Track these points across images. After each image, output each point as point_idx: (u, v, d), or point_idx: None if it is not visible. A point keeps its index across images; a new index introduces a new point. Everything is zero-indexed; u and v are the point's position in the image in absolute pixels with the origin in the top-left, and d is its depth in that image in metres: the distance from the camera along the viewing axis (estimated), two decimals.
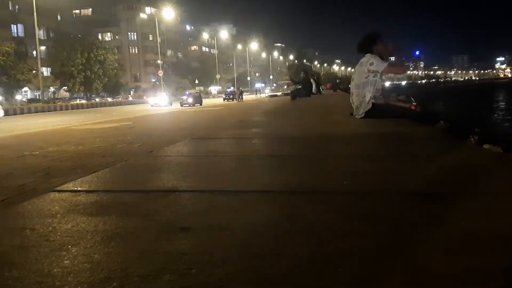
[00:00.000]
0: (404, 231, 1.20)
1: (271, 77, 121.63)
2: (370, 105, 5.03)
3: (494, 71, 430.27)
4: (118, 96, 66.77)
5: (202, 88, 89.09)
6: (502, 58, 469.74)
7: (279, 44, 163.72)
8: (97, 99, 60.60)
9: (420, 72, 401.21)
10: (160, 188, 1.78)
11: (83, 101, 55.19)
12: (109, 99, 60.69)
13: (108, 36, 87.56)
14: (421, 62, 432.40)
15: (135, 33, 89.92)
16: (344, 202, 1.53)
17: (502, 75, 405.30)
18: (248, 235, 1.21)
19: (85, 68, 58.83)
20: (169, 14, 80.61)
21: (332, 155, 2.79)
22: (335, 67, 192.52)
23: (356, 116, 5.16)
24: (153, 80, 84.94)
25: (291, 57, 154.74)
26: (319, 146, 3.30)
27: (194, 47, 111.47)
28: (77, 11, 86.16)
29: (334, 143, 3.42)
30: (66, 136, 9.51)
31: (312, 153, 2.95)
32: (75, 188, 1.83)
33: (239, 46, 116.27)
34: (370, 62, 5.17)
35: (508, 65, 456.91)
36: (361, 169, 2.13)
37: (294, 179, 1.97)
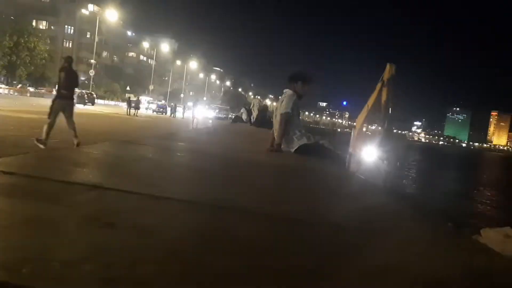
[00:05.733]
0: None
1: (204, 98, 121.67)
2: (303, 141, 5.20)
3: (411, 133, 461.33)
4: (42, 88, 63.09)
5: (132, 95, 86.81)
6: (419, 123, 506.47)
7: (217, 68, 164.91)
8: (31, 89, 56.65)
9: (344, 121, 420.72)
10: (85, 182, 1.72)
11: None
12: (31, 89, 57.29)
13: (43, 25, 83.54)
14: (347, 112, 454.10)
15: (72, 27, 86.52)
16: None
17: (416, 139, 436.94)
18: (173, 239, 1.21)
19: (11, 52, 55.43)
20: (112, 15, 78.61)
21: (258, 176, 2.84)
22: (268, 101, 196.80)
23: (286, 150, 5.29)
24: (82, 79, 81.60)
25: (228, 83, 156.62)
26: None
27: (132, 54, 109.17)
28: None
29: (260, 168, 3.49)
30: None
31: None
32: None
33: (178, 62, 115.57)
34: (281, 100, 5.41)
35: (423, 130, 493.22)
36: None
37: (217, 193, 1.98)
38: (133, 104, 40.00)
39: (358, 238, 1.54)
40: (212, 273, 1.00)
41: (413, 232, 1.84)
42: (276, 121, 5.42)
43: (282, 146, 5.24)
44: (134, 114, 38.45)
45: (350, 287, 1.07)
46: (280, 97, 5.55)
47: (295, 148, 5.29)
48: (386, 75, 18.29)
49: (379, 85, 18.16)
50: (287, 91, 5.46)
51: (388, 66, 17.51)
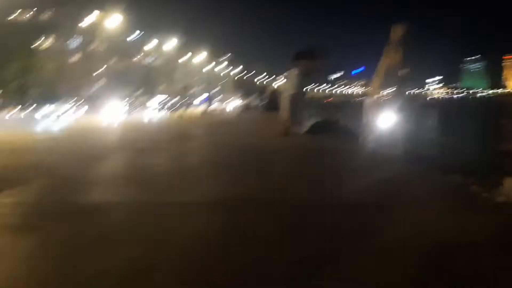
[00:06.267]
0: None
1: (217, 88, 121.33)
2: (313, 121, 5.23)
3: (428, 90, 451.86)
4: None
5: (145, 98, 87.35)
6: (437, 78, 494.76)
7: (226, 57, 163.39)
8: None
9: (359, 90, 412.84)
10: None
11: None
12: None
13: (48, 43, 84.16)
14: (362, 81, 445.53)
15: (77, 41, 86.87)
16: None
17: (436, 95, 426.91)
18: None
19: (20, 76, 56.02)
20: (113, 22, 78.71)
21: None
22: (280, 83, 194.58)
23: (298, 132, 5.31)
24: (95, 89, 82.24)
25: (238, 69, 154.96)
26: None
27: (140, 56, 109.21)
28: (15, 15, 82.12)
29: None
30: None
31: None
32: None
33: (185, 58, 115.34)
34: (287, 81, 5.39)
35: (441, 85, 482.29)
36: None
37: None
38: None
39: (372, 216, 1.61)
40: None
41: (431, 202, 1.89)
42: (283, 103, 5.43)
43: (292, 128, 5.27)
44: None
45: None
46: (285, 76, 5.52)
47: (306, 129, 5.32)
48: (395, 35, 17.88)
49: (389, 48, 17.81)
50: (291, 71, 5.43)
51: (394, 27, 17.17)
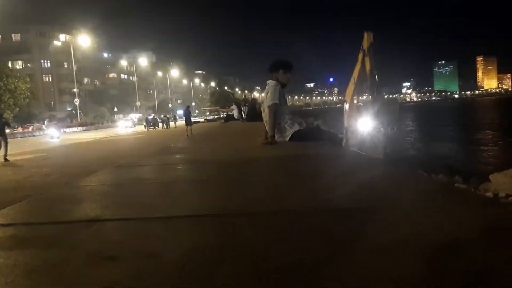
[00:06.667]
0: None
1: (193, 103, 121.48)
2: (296, 128, 5.20)
3: (402, 95, 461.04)
4: (29, 125, 62.21)
5: (121, 115, 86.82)
6: (408, 84, 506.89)
7: (200, 72, 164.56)
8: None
9: (334, 98, 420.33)
10: (83, 218, 1.71)
11: None
12: (20, 129, 57.00)
13: (19, 64, 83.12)
14: (335, 88, 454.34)
15: (48, 61, 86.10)
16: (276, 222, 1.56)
17: (408, 99, 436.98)
18: (179, 259, 1.20)
19: None
20: (85, 41, 78.34)
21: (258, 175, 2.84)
22: (256, 94, 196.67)
23: (279, 140, 5.29)
24: (69, 109, 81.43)
25: (213, 83, 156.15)
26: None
27: (112, 75, 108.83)
28: None
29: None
30: None
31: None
32: None
33: (160, 73, 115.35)
34: (266, 91, 5.40)
35: (413, 90, 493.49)
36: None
37: (221, 202, 1.98)
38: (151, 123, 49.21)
39: (362, 219, 1.54)
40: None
41: (420, 197, 1.84)
42: (265, 113, 5.40)
43: (276, 137, 5.23)
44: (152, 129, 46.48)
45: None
46: (265, 88, 5.53)
47: (289, 136, 5.29)
48: (365, 44, 18.37)
49: (360, 55, 18.23)
50: (270, 82, 5.44)
51: (365, 34, 17.59)
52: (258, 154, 4.29)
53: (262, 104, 5.78)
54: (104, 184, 2.82)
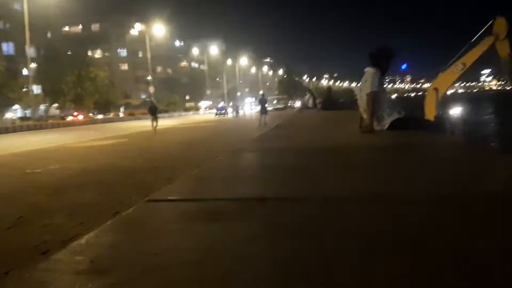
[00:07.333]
0: None
1: (261, 91, 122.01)
2: (394, 117, 5.11)
3: (480, 83, 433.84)
4: (108, 113, 66.30)
5: (193, 103, 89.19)
6: (487, 71, 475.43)
7: (268, 60, 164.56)
8: (99, 116, 60.52)
9: (406, 86, 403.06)
10: (249, 196, 1.79)
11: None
12: (100, 116, 60.41)
13: (98, 53, 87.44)
14: (408, 76, 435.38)
15: (124, 50, 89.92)
16: None
17: (487, 88, 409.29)
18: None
19: (76, 85, 58.53)
20: (159, 30, 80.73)
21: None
22: (324, 82, 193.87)
23: (378, 128, 5.20)
24: (143, 97, 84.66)
25: (280, 71, 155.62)
26: None
27: (184, 63, 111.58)
28: (67, 28, 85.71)
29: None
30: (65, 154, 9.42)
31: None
32: (166, 198, 1.83)
33: (229, 62, 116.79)
34: (365, 79, 5.27)
35: (494, 78, 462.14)
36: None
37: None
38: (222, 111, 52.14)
39: None
40: None
41: None
42: (363, 101, 5.33)
43: (374, 125, 5.15)
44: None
45: None
46: (363, 76, 5.45)
47: (388, 125, 5.19)
48: (498, 28, 16.80)
49: (487, 40, 16.86)
50: (369, 70, 5.36)
51: (498, 20, 16.28)
52: (357, 141, 4.24)
53: (358, 92, 5.71)
54: (234, 167, 2.92)
